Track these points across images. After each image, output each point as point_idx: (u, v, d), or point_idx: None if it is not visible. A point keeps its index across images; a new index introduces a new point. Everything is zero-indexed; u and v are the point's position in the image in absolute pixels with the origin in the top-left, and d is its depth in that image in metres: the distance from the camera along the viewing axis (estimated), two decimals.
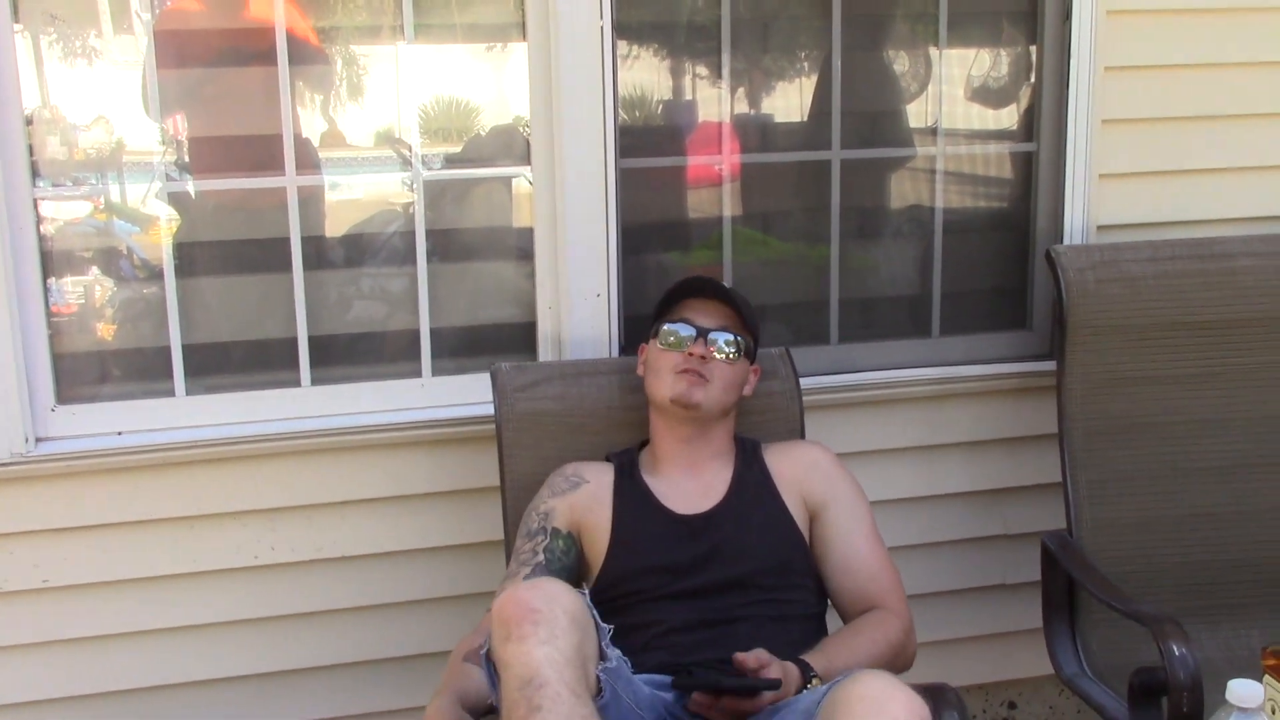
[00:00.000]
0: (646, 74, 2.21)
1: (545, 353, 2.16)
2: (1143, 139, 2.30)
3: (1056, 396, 2.14)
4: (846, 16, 2.22)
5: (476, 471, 2.11)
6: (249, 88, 2.05)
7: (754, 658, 1.58)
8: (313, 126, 2.12)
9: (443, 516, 2.15)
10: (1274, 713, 1.47)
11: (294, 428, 2.06)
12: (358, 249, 2.16)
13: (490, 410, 2.00)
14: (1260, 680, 1.44)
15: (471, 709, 1.62)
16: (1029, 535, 2.28)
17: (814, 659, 1.66)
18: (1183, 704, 1.69)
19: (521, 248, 2.18)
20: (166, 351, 2.05)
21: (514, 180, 2.18)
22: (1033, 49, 2.32)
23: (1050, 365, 2.22)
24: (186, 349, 2.06)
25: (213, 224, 2.10)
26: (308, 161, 2.09)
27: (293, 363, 2.10)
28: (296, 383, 2.10)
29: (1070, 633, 2.08)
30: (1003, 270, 2.39)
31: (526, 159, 2.13)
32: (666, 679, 1.66)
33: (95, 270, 2.05)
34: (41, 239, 1.98)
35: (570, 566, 1.80)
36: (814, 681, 1.63)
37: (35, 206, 1.97)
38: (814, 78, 2.28)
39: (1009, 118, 2.37)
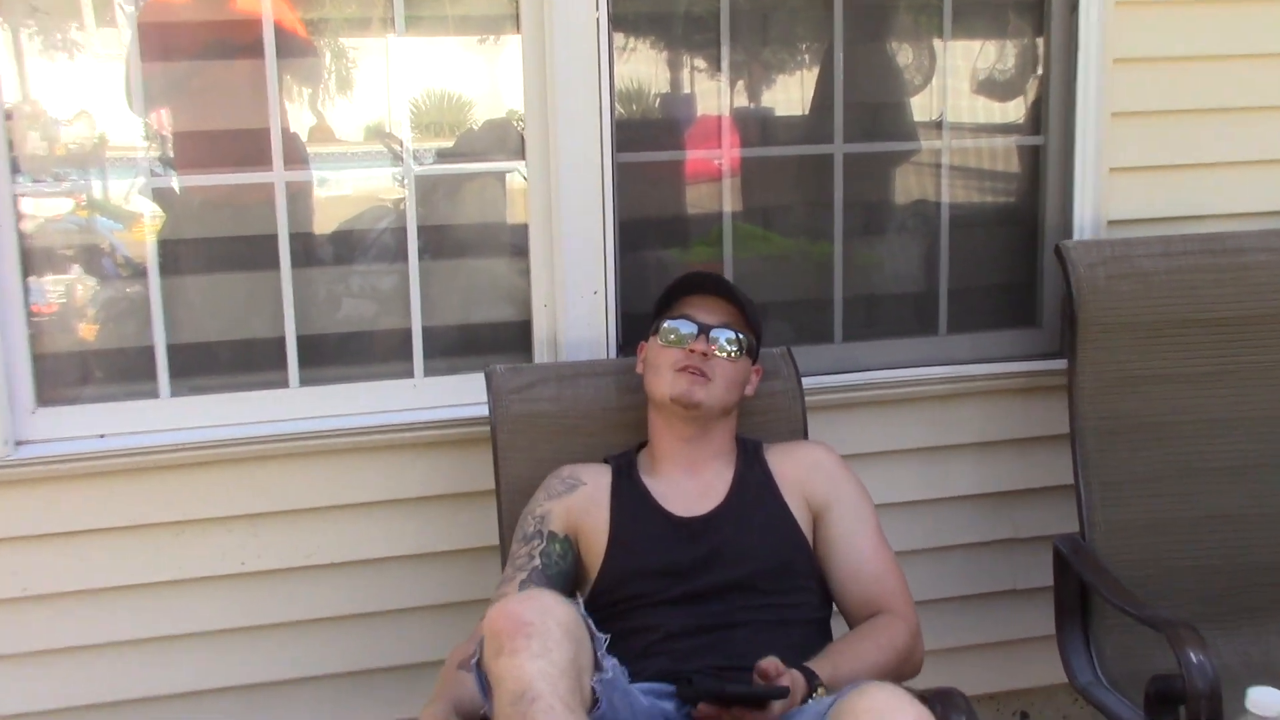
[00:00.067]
0: (644, 66, 2.21)
1: (541, 352, 2.15)
2: (1153, 132, 2.29)
3: (1067, 395, 2.13)
4: (848, 7, 2.22)
5: (470, 475, 2.09)
6: (235, 81, 2.04)
7: (773, 665, 1.57)
8: (301, 121, 2.11)
9: (435, 521, 2.14)
10: None
11: (282, 430, 2.05)
12: (347, 246, 2.15)
13: (484, 411, 1.99)
14: None
15: (466, 718, 1.61)
16: (1040, 539, 2.27)
17: (819, 666, 1.65)
18: (1201, 712, 1.67)
19: (516, 244, 2.17)
20: (150, 352, 2.04)
21: (508, 175, 2.18)
22: (1039, 40, 2.32)
23: (1060, 364, 2.21)
24: (171, 349, 2.05)
25: (198, 221, 2.09)
26: (296, 157, 2.08)
27: (280, 363, 2.08)
28: (284, 383, 2.09)
29: (1084, 639, 2.06)
30: (1011, 266, 2.38)
31: (521, 153, 2.12)
32: (666, 687, 1.64)
33: (77, 268, 2.04)
34: (21, 236, 1.97)
35: (567, 571, 1.79)
36: (819, 690, 1.61)
37: (15, 203, 1.96)
38: (815, 70, 2.27)
39: (1016, 111, 2.36)
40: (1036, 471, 2.34)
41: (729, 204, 2.25)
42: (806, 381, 2.08)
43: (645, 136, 2.22)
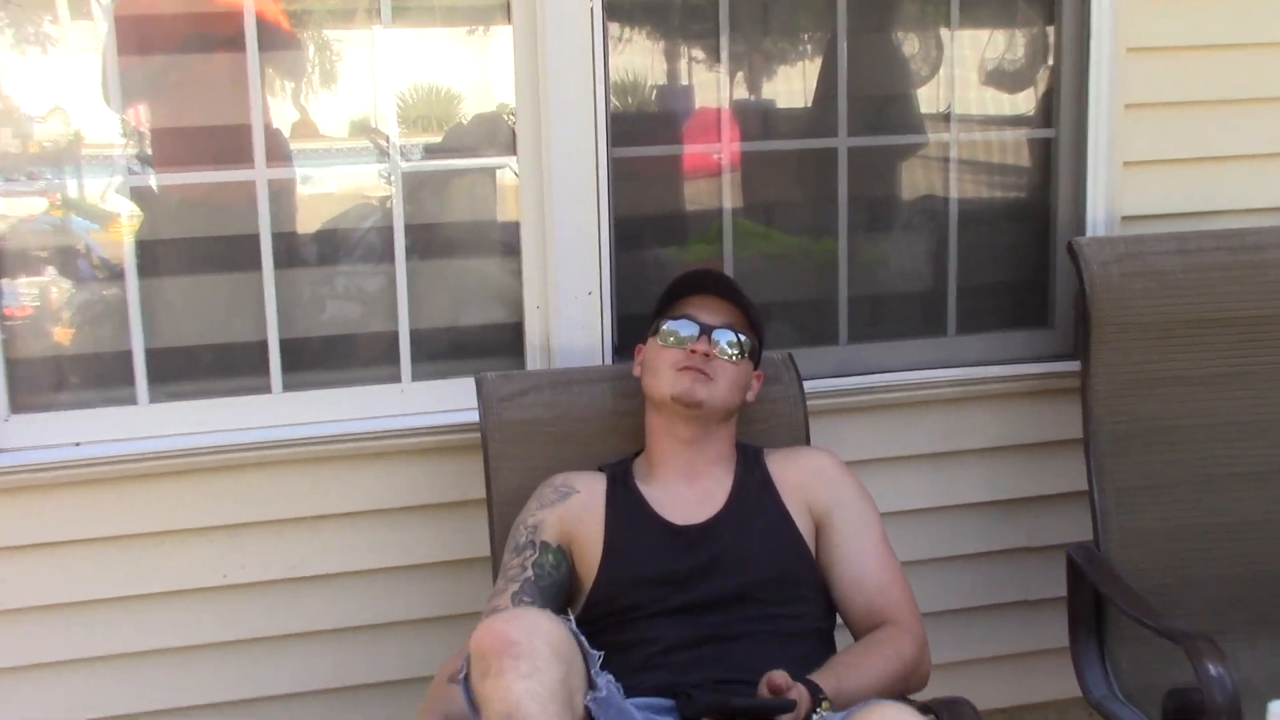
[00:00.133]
0: (640, 57, 2.20)
1: (533, 356, 2.14)
2: (1168, 124, 2.29)
3: (1080, 398, 2.12)
4: None
5: (461, 483, 2.09)
6: (216, 75, 2.04)
7: (784, 678, 1.56)
8: (284, 116, 2.10)
9: (425, 531, 2.13)
10: None
11: (265, 437, 2.04)
12: (332, 246, 2.14)
13: (475, 417, 1.98)
14: None
15: None
16: (1053, 547, 2.26)
17: (823, 679, 1.64)
18: None
19: (507, 243, 2.16)
20: (128, 356, 2.03)
21: (498, 171, 2.17)
22: (1050, 29, 2.31)
23: (1074, 365, 2.20)
24: (149, 354, 2.04)
25: (177, 220, 2.08)
26: (279, 153, 2.07)
27: (263, 368, 2.08)
28: (267, 389, 2.08)
29: (1098, 652, 2.06)
30: (1022, 264, 2.37)
31: (512, 148, 2.12)
32: (664, 702, 1.64)
33: (52, 270, 2.03)
34: None
35: (561, 582, 1.79)
36: (824, 704, 1.60)
37: None
38: (818, 60, 2.27)
39: (1026, 102, 2.35)
40: (1049, 478, 2.33)
41: (729, 200, 2.24)
42: (810, 385, 2.07)
43: (641, 130, 2.21)
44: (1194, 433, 2.12)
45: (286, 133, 2.10)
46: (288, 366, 2.08)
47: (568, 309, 2.10)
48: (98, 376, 2.05)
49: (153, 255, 2.05)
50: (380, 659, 2.15)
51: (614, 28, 2.14)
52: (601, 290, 2.12)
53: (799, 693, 1.57)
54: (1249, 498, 2.13)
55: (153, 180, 2.05)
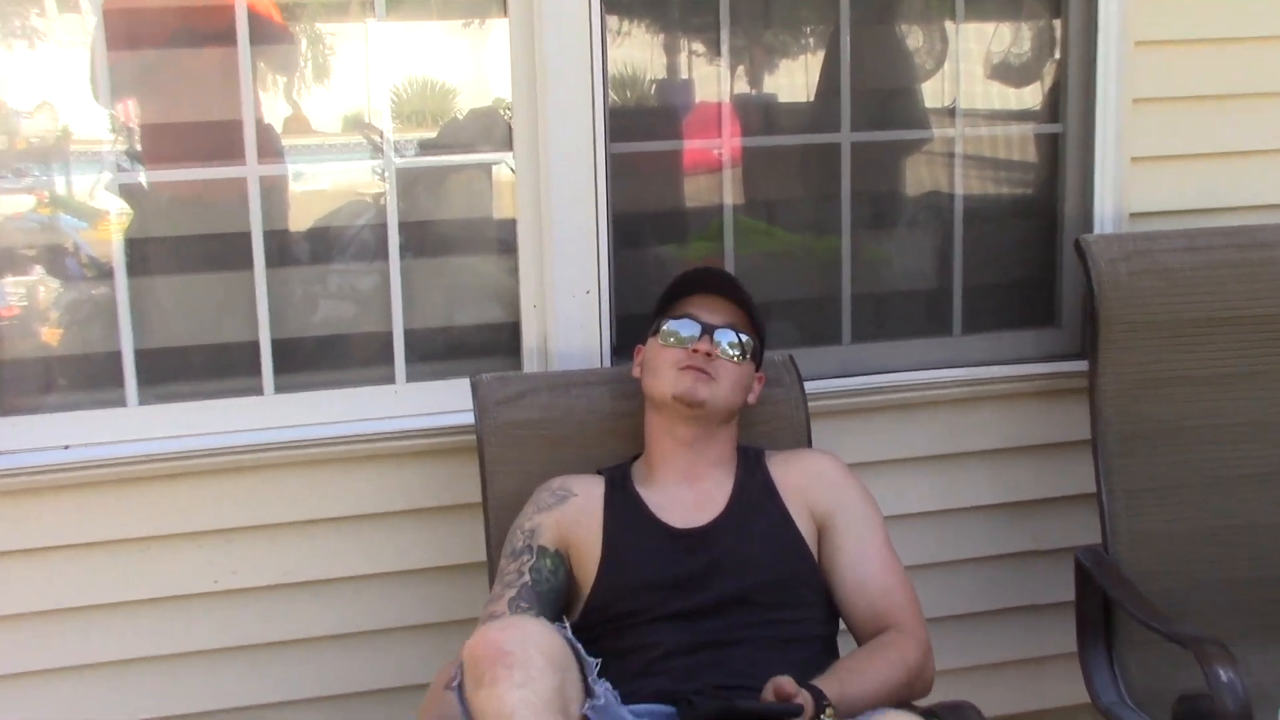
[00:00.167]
0: (639, 51, 2.20)
1: (530, 357, 2.14)
2: (1178, 119, 2.28)
3: (1088, 399, 2.12)
4: None
5: (456, 486, 2.08)
6: (206, 70, 2.04)
7: (790, 684, 1.56)
8: (276, 111, 2.10)
9: (420, 536, 2.12)
10: None
11: (256, 440, 2.04)
12: (325, 244, 2.14)
13: (470, 419, 1.98)
14: None
15: None
16: (1060, 551, 2.25)
17: (826, 685, 1.63)
18: None
19: (503, 241, 2.16)
20: (117, 357, 2.03)
21: (495, 167, 2.17)
22: (1057, 22, 2.31)
23: (1081, 365, 2.20)
24: (139, 354, 2.03)
25: (167, 218, 2.08)
26: (270, 149, 2.07)
27: (254, 369, 2.07)
28: (258, 390, 2.07)
29: (1107, 657, 2.06)
30: (1028, 262, 2.37)
31: (508, 144, 2.11)
32: (663, 709, 1.63)
33: (39, 269, 2.03)
34: None
35: (559, 587, 1.78)
36: (827, 710, 1.60)
37: None
38: (821, 54, 2.26)
39: (1032, 97, 2.35)
40: (1056, 479, 2.33)
41: (729, 196, 2.24)
42: (812, 385, 2.07)
43: (641, 125, 2.21)
44: (1203, 434, 2.12)
45: (278, 128, 2.09)
46: (280, 367, 2.08)
47: (565, 308, 2.10)
48: (86, 378, 2.05)
49: (142, 253, 2.04)
50: (375, 666, 2.14)
51: (613, 21, 2.14)
52: (600, 289, 2.11)
53: (804, 698, 1.57)
54: (1259, 500, 2.12)
55: (142, 177, 2.05)
